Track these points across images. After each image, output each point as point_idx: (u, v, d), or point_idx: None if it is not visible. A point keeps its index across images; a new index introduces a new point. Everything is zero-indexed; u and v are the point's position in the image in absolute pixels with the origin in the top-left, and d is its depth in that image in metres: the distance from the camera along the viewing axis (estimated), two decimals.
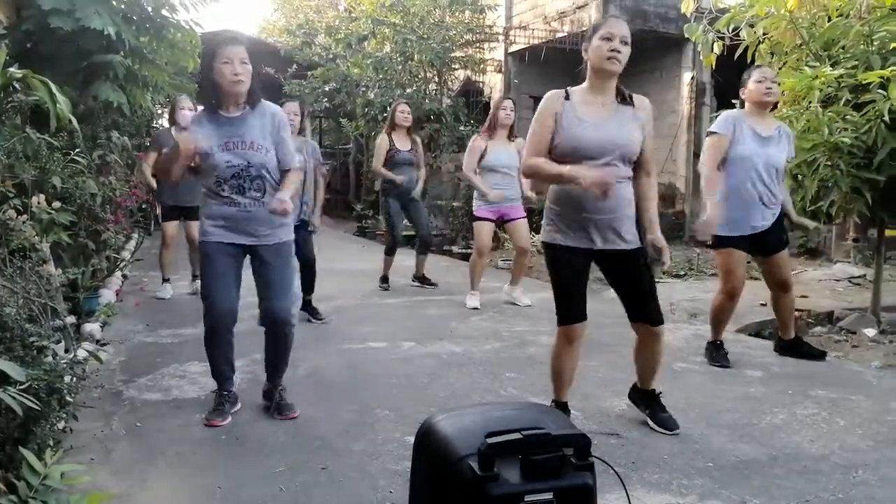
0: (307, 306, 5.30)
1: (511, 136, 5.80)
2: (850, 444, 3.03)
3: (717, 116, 5.04)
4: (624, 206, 2.92)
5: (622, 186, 2.89)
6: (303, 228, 5.23)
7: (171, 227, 6.10)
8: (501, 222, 5.89)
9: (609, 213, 2.89)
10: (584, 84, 2.98)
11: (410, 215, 6.63)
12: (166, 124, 7.27)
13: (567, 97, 2.94)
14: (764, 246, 4.10)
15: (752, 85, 4.02)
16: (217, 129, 3.10)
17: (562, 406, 3.12)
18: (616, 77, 2.92)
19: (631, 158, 2.93)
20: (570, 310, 2.98)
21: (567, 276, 2.99)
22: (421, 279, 6.84)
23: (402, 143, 6.43)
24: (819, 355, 4.33)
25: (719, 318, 4.24)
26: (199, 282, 6.13)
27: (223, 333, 3.22)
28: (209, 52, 3.11)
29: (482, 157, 5.69)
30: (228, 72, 3.00)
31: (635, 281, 3.01)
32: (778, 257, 4.14)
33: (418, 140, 6.68)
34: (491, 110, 5.86)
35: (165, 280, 6.18)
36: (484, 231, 5.84)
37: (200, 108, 3.18)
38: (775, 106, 4.28)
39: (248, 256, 3.25)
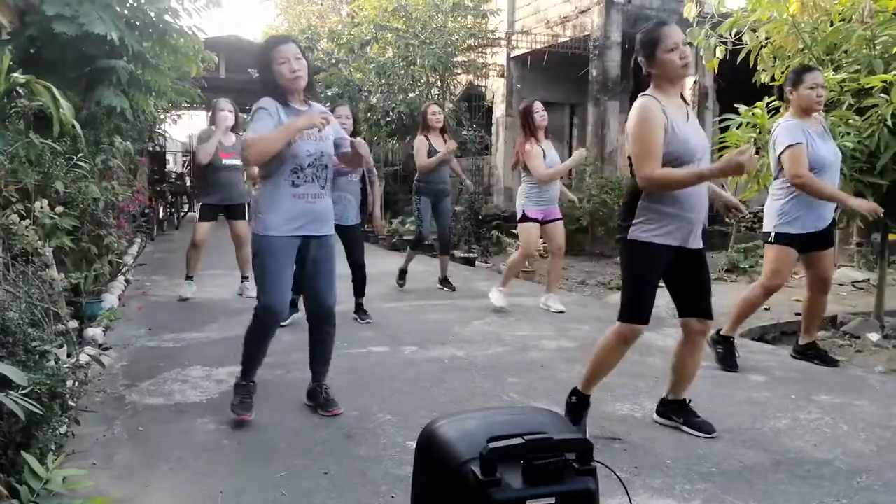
0: (359, 309, 5.42)
1: (547, 134, 5.83)
2: (854, 450, 3.01)
3: (722, 120, 5.06)
4: (705, 206, 3.02)
5: (703, 186, 2.98)
6: (357, 228, 5.28)
7: (206, 227, 6.07)
8: (543, 222, 5.82)
9: (704, 213, 2.99)
10: (655, 90, 2.95)
11: (437, 215, 6.69)
12: (171, 130, 7.27)
13: (660, 104, 2.90)
14: (817, 244, 4.09)
15: (805, 91, 3.96)
16: (291, 119, 3.14)
17: (584, 399, 3.13)
18: None
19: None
20: (643, 310, 3.00)
21: (653, 276, 3.00)
22: (443, 281, 6.88)
23: (438, 144, 6.50)
24: (833, 363, 4.32)
25: (747, 313, 4.25)
26: (246, 283, 6.18)
27: (273, 330, 3.30)
28: (263, 56, 3.20)
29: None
30: (287, 70, 3.12)
31: (704, 278, 3.09)
32: (825, 255, 4.16)
33: (452, 141, 6.72)
34: (522, 115, 5.81)
35: (189, 277, 6.18)
36: (534, 232, 5.79)
37: (265, 102, 3.12)
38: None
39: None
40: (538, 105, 5.79)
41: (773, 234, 4.07)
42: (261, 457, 2.87)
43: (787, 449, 3.02)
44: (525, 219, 5.78)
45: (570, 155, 6.14)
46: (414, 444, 1.99)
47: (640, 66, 3.00)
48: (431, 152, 6.43)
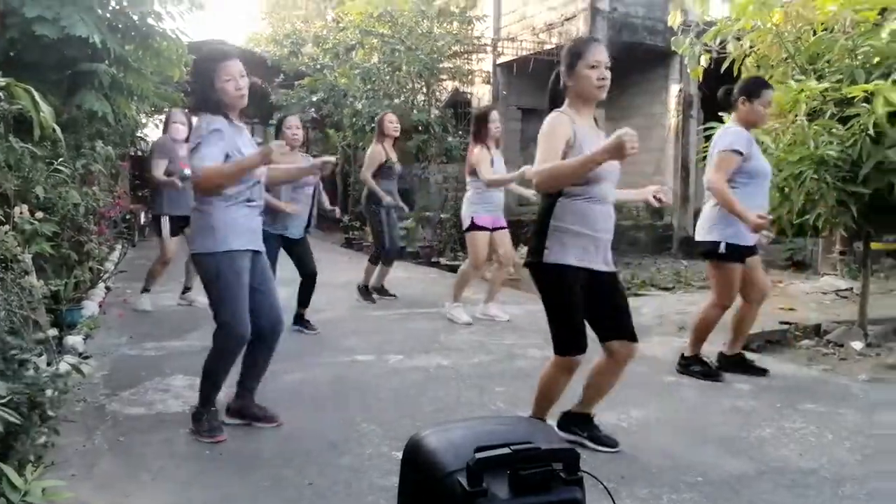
0: (300, 319, 5.27)
1: (497, 144, 5.82)
2: (838, 458, 3.02)
3: (707, 129, 5.08)
4: (612, 228, 2.96)
5: (609, 207, 2.94)
6: (306, 240, 5.23)
7: (175, 242, 5.90)
8: (492, 230, 5.74)
9: (610, 233, 2.93)
10: (569, 107, 2.92)
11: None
12: (153, 134, 7.22)
13: (571, 119, 2.88)
14: (751, 254, 4.13)
15: (759, 107, 4.05)
16: (238, 136, 3.14)
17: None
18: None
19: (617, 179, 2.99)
20: (577, 340, 2.86)
21: (576, 302, 2.86)
22: (379, 290, 6.71)
23: (394, 154, 6.48)
24: (761, 372, 4.29)
25: (706, 332, 4.23)
26: (191, 293, 6.06)
27: (239, 353, 3.19)
28: (208, 70, 3.09)
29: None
30: (232, 88, 3.08)
31: (619, 299, 2.97)
32: (757, 259, 4.21)
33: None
34: (477, 122, 5.77)
35: (146, 290, 6.05)
36: (482, 243, 5.68)
37: (218, 123, 3.06)
38: None
39: None
40: (495, 114, 5.80)
41: (725, 251, 4.00)
42: (244, 467, 2.84)
43: (772, 458, 3.02)
44: (473, 227, 5.65)
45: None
46: (399, 455, 1.97)
47: (558, 79, 2.97)
48: (389, 164, 6.37)
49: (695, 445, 3.14)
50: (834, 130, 4.66)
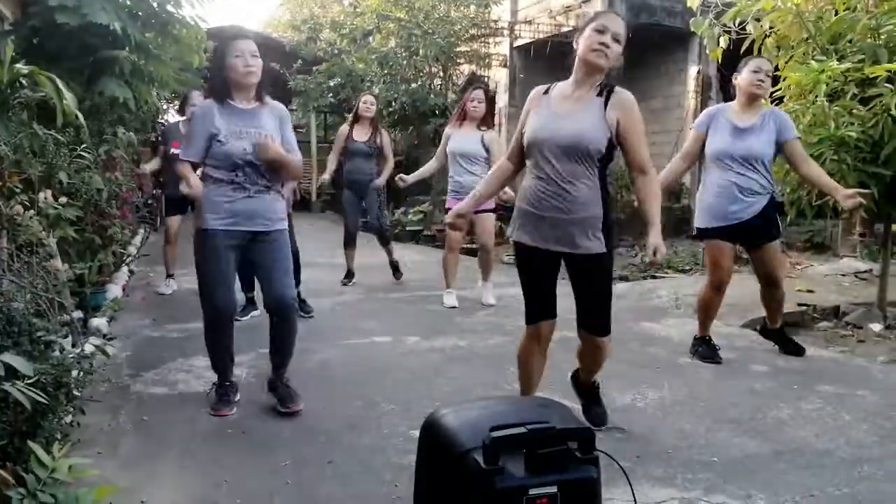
0: (253, 302, 5.17)
1: (482, 125, 5.66)
2: (856, 439, 3.02)
3: None
4: (579, 208, 2.75)
5: (577, 187, 2.74)
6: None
7: (176, 221, 6.07)
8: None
9: (564, 214, 2.75)
10: (570, 77, 2.90)
11: (364, 207, 6.57)
12: (173, 118, 7.28)
13: (547, 91, 2.90)
14: (751, 238, 4.06)
15: (745, 74, 4.00)
16: (230, 119, 3.16)
17: None
18: (601, 72, 2.79)
19: (587, 154, 2.73)
20: (533, 309, 2.93)
21: (529, 275, 2.93)
22: (392, 267, 6.76)
23: (360, 134, 6.41)
24: (799, 350, 4.30)
25: (706, 312, 4.22)
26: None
27: (225, 326, 3.27)
28: (220, 48, 3.20)
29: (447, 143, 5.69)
30: (241, 64, 3.12)
31: (587, 287, 2.86)
32: (764, 249, 4.06)
33: (383, 132, 6.60)
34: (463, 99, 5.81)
35: (169, 276, 6.18)
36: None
37: (200, 106, 3.19)
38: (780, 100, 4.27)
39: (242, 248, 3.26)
40: (477, 93, 5.71)
41: (699, 231, 4.14)
42: (265, 446, 2.89)
43: (789, 439, 3.03)
44: (445, 210, 5.54)
45: None
46: (417, 434, 2.01)
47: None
48: (349, 142, 6.38)
49: (710, 426, 3.15)
50: (855, 111, 4.61)
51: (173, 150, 5.74)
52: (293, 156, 3.29)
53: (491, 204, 5.45)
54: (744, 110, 4.01)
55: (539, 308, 2.91)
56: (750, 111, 4.01)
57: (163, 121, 9.86)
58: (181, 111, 6.09)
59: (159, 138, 6.75)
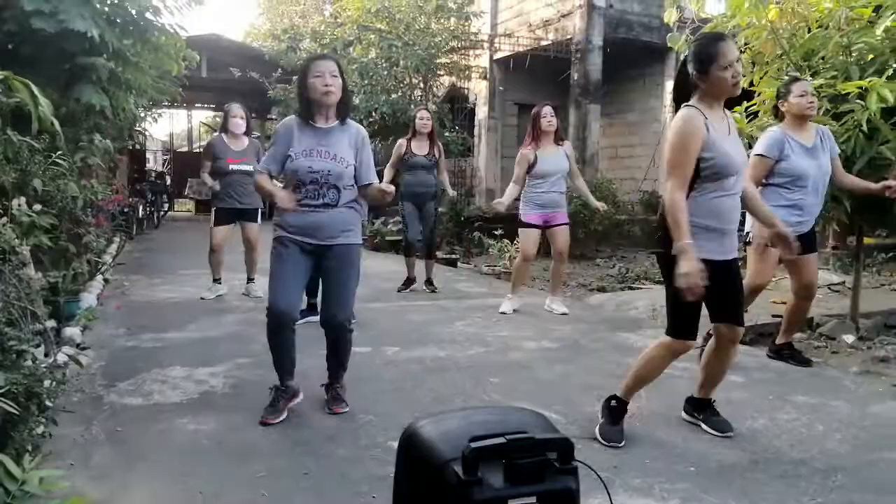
0: (310, 307, 5.27)
1: (558, 140, 5.79)
2: (830, 449, 3.06)
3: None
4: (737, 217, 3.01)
5: (737, 198, 2.97)
6: None
7: (222, 231, 6.20)
8: (546, 227, 5.81)
9: (735, 224, 3.00)
10: (699, 101, 2.90)
11: (421, 218, 6.77)
12: (151, 129, 7.23)
13: (703, 114, 2.87)
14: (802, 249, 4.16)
15: (794, 99, 4.09)
16: (304, 137, 3.27)
17: (624, 405, 3.16)
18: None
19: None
20: (692, 325, 2.97)
21: (707, 290, 2.82)
22: (427, 282, 6.93)
23: (420, 148, 6.60)
24: (806, 362, 4.45)
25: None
26: (252, 284, 6.37)
27: (285, 331, 3.34)
28: (302, 68, 3.32)
29: (532, 166, 5.69)
30: (320, 84, 3.20)
31: (733, 282, 3.06)
32: (810, 258, 4.23)
33: (440, 146, 6.80)
34: (531, 119, 5.81)
35: (216, 280, 6.31)
36: (530, 238, 5.79)
37: (283, 124, 3.36)
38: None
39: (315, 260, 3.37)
40: (547, 110, 5.76)
41: (750, 235, 4.27)
42: (241, 457, 2.86)
43: (765, 448, 3.05)
44: (522, 224, 5.83)
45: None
46: (395, 445, 1.99)
47: (686, 74, 2.93)
48: (408, 156, 6.55)
49: (687, 436, 3.17)
50: (828, 126, 4.68)
51: (231, 167, 5.97)
52: (369, 179, 3.38)
53: (566, 217, 5.85)
54: (799, 129, 4.12)
55: (696, 322, 2.99)
56: (805, 131, 4.14)
57: (139, 129, 9.77)
58: (224, 126, 6.18)
59: (136, 147, 6.78)
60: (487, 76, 12.96)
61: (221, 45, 15.54)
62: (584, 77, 11.22)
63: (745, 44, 5.37)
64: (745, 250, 4.26)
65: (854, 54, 4.85)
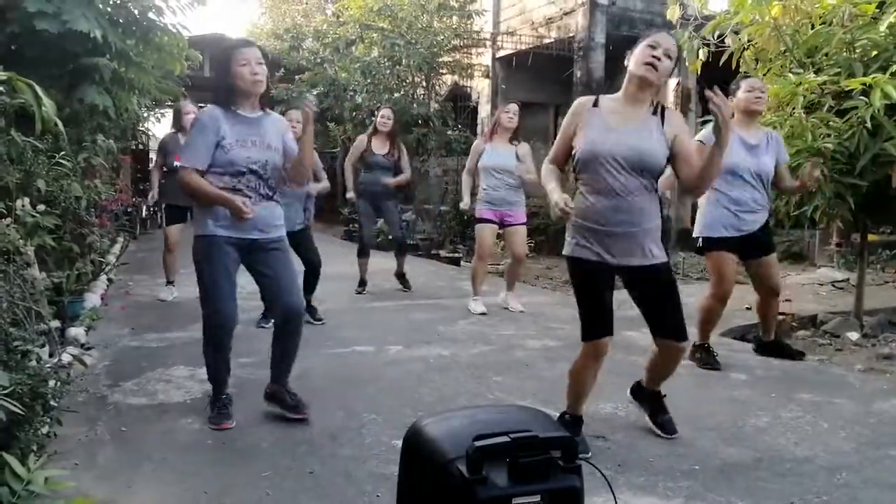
0: (307, 306, 5.26)
1: (514, 139, 5.76)
2: (834, 447, 3.05)
3: (704, 122, 5.09)
4: (644, 219, 2.83)
5: (642, 199, 2.82)
6: (305, 232, 5.24)
7: (176, 230, 6.12)
8: (502, 226, 5.80)
9: (626, 227, 2.82)
10: (619, 92, 2.94)
11: (383, 217, 6.71)
12: (161, 129, 7.26)
13: (595, 104, 2.91)
14: (753, 250, 4.19)
15: (741, 94, 4.15)
16: (235, 126, 3.14)
17: (577, 419, 3.06)
18: (651, 87, 2.86)
19: (650, 169, 2.82)
20: (594, 325, 2.89)
21: (589, 291, 2.89)
22: (399, 276, 6.84)
23: (379, 147, 6.47)
24: (797, 355, 4.47)
25: (708, 321, 4.29)
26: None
27: (228, 337, 3.21)
28: (223, 56, 3.16)
29: (479, 157, 5.75)
30: (248, 72, 3.09)
31: (663, 295, 2.91)
32: (766, 260, 4.24)
33: (402, 145, 6.68)
34: (496, 113, 5.90)
35: (170, 283, 6.22)
36: (486, 233, 5.78)
37: (205, 113, 3.15)
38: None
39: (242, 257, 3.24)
40: (512, 106, 5.83)
41: (704, 242, 4.22)
42: (245, 457, 2.87)
43: (768, 446, 3.05)
44: (477, 220, 5.82)
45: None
46: (399, 444, 1.99)
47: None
48: (367, 154, 6.44)
49: (691, 434, 3.17)
50: (831, 123, 4.67)
51: (177, 164, 5.81)
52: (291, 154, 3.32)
53: (524, 217, 5.80)
54: (746, 127, 4.15)
55: (601, 324, 2.89)
56: (751, 128, 4.17)
57: (142, 129, 9.79)
58: (176, 124, 6.10)
59: (140, 147, 6.78)
60: (490, 74, 12.95)
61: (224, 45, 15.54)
62: (587, 75, 11.20)
63: (749, 40, 5.36)
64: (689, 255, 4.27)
65: (858, 51, 4.84)
